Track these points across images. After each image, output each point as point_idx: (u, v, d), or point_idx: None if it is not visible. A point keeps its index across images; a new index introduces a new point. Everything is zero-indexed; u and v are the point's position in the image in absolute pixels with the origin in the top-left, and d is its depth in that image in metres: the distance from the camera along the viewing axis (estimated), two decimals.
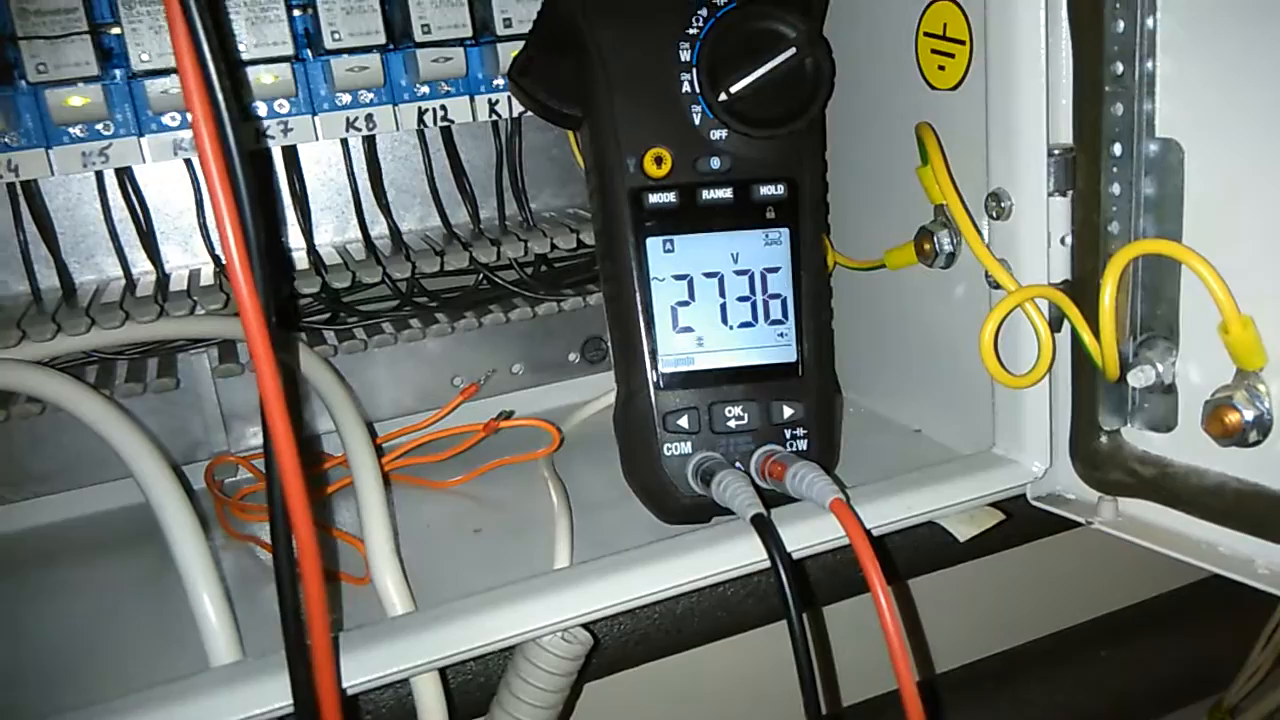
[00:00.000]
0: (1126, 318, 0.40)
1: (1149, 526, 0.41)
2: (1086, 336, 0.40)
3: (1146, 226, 0.39)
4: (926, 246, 0.46)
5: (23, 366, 0.40)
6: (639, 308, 0.43)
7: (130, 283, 0.49)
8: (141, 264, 0.50)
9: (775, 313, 0.45)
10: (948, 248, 0.46)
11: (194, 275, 0.50)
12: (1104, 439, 0.42)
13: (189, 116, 0.44)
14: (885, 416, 0.55)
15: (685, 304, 0.44)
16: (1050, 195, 0.41)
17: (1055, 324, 0.42)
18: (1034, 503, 0.45)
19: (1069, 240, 0.41)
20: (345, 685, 0.36)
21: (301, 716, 0.31)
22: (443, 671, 0.40)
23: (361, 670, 0.36)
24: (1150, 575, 0.70)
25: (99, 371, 0.50)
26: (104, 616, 0.44)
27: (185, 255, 0.52)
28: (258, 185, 0.26)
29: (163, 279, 0.49)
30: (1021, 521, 0.47)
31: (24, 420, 0.48)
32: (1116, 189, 0.39)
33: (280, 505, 0.28)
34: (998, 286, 0.42)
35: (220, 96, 0.25)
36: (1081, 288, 0.41)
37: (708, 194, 0.44)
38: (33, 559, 0.49)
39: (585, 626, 0.42)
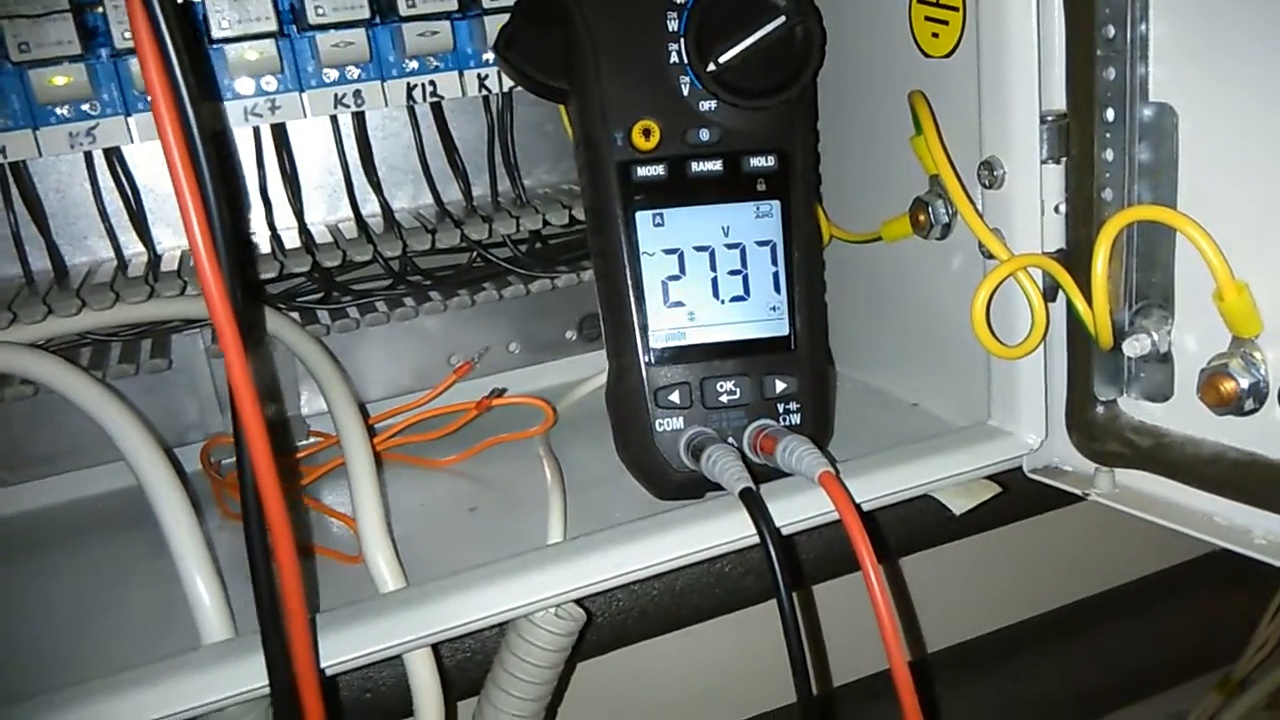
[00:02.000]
0: (1121, 286, 0.39)
1: (1146, 498, 0.41)
2: (1080, 305, 0.39)
3: (1141, 193, 0.38)
4: (921, 217, 0.46)
5: (9, 348, 0.40)
6: (629, 283, 0.43)
7: (122, 263, 0.49)
8: (133, 245, 0.49)
9: (767, 286, 0.44)
10: (943, 218, 0.45)
11: (185, 256, 0.50)
12: (1100, 409, 0.42)
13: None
14: (882, 390, 0.54)
15: (676, 278, 0.44)
16: (1043, 163, 0.40)
17: (1049, 293, 0.41)
18: (1030, 475, 0.45)
19: (1063, 208, 0.41)
20: (335, 661, 0.36)
21: (279, 695, 0.31)
22: (437, 648, 0.40)
23: (352, 647, 0.36)
24: (1155, 548, 0.70)
25: (93, 353, 0.50)
26: (99, 597, 0.44)
27: (177, 236, 0.52)
28: (225, 165, 0.26)
29: (154, 259, 0.49)
30: (1019, 495, 0.46)
31: (19, 402, 0.48)
32: (1110, 155, 0.38)
33: (251, 484, 0.28)
34: (991, 256, 0.42)
35: (180, 76, 0.24)
36: (1075, 256, 0.40)
37: (697, 166, 0.43)
38: (32, 541, 0.50)
39: (579, 602, 0.42)
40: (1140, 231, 0.39)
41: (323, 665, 0.36)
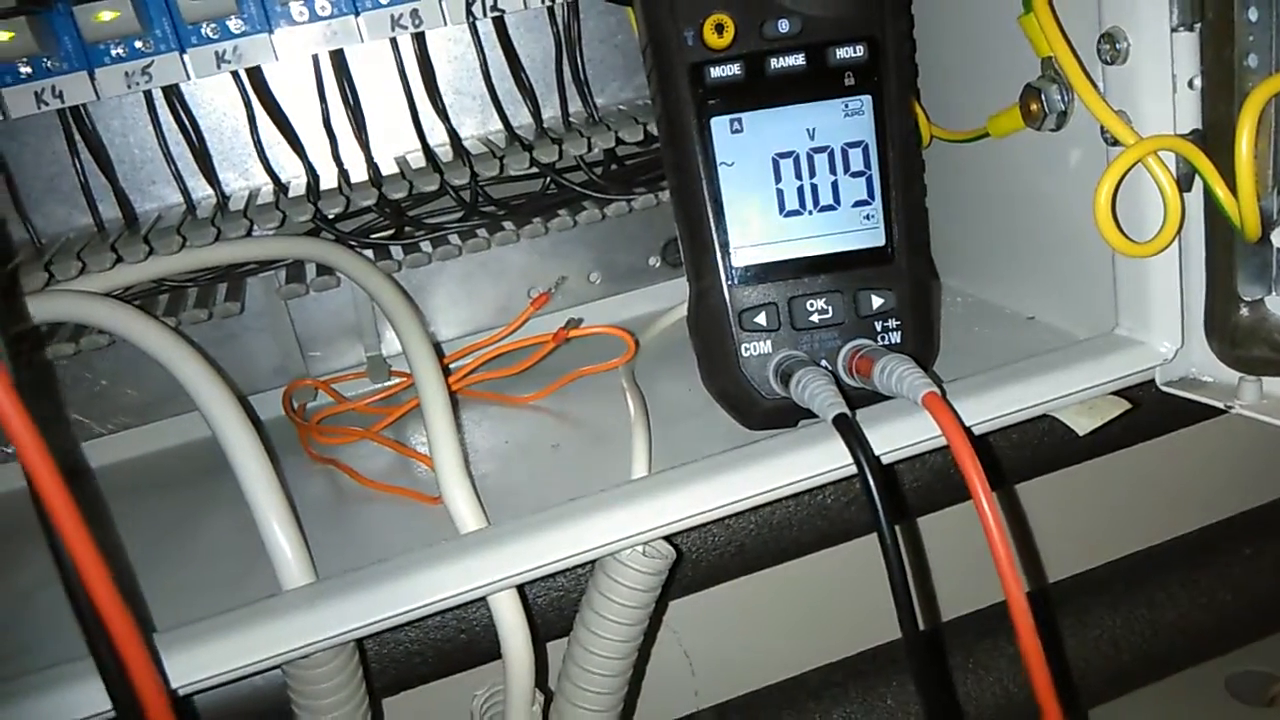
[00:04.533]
0: (1269, 168, 0.34)
1: None
2: (1221, 192, 0.34)
3: None
4: (1034, 107, 0.41)
5: (69, 296, 0.40)
6: (706, 197, 0.40)
7: (190, 207, 0.48)
8: (201, 189, 0.48)
9: (860, 192, 0.40)
10: (1059, 105, 0.40)
11: (252, 195, 0.49)
12: (1244, 311, 0.37)
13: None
14: (995, 305, 0.50)
15: (757, 189, 0.40)
16: (1174, 30, 0.35)
17: (1184, 181, 0.37)
18: (1164, 388, 0.40)
19: (1198, 82, 0.36)
20: (421, 604, 0.35)
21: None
22: (523, 589, 0.39)
23: (431, 590, 0.35)
24: None
25: (169, 300, 0.50)
26: (183, 544, 0.44)
27: (245, 179, 0.51)
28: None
29: (222, 201, 0.48)
30: (1151, 411, 0.42)
31: (97, 351, 0.47)
32: (1253, 14, 0.33)
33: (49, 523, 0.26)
34: (1116, 143, 0.37)
35: None
36: (1214, 136, 0.35)
37: (777, 62, 0.39)
38: (129, 489, 0.50)
39: (668, 539, 0.40)
40: None
41: (400, 609, 0.34)
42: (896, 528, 0.33)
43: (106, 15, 0.41)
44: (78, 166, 0.46)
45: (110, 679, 0.28)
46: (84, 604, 0.27)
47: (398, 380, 0.53)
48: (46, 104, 0.43)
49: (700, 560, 0.50)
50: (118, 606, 0.27)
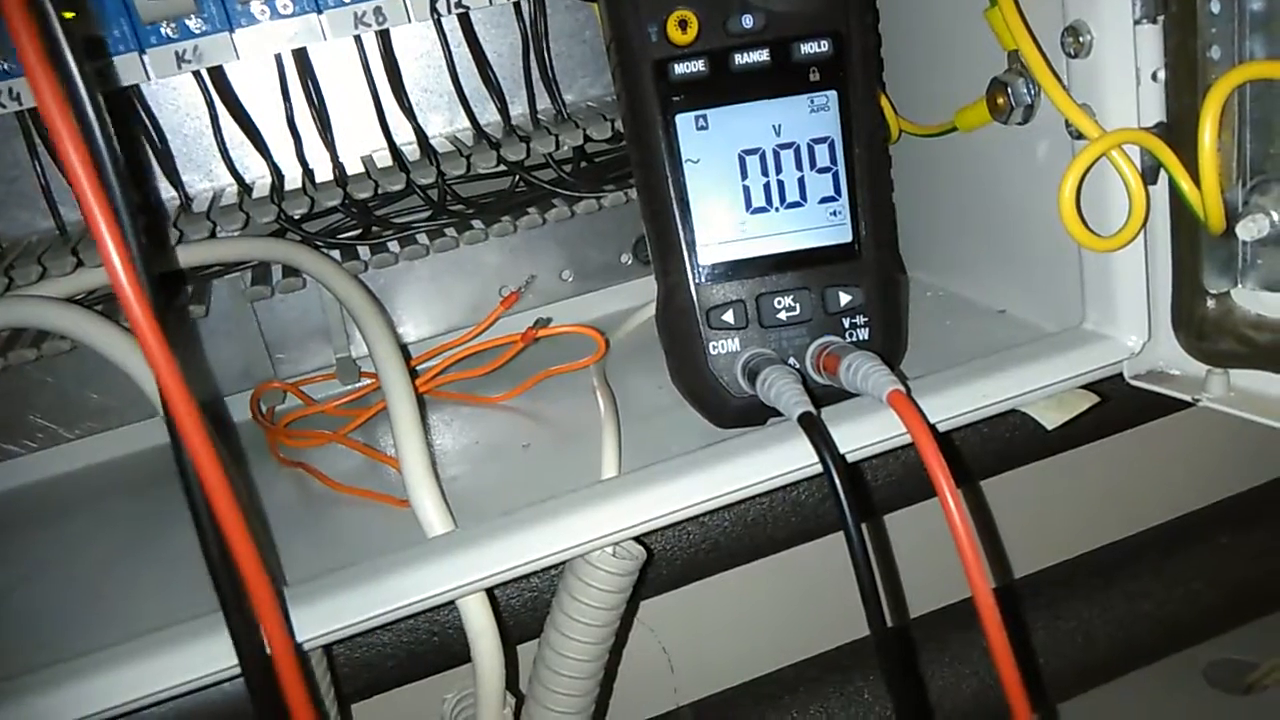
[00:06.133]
0: (1233, 160, 0.34)
1: (1266, 400, 0.36)
2: (1185, 184, 0.34)
3: (1254, 48, 0.33)
4: (1000, 100, 0.41)
5: (31, 301, 0.39)
6: (672, 195, 0.39)
7: (154, 208, 0.47)
8: (165, 190, 0.48)
9: (826, 189, 0.40)
10: (1025, 99, 0.40)
11: (217, 195, 0.48)
12: (1211, 303, 0.37)
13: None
14: (966, 298, 0.50)
15: (724, 186, 0.40)
16: (1137, 22, 0.35)
17: (1149, 174, 0.36)
18: (1132, 382, 0.40)
19: (1161, 74, 0.35)
20: (387, 609, 0.34)
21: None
22: (492, 592, 0.38)
23: (398, 595, 0.35)
24: (1270, 456, 0.64)
25: None
26: (143, 553, 0.43)
27: (205, 179, 0.50)
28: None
29: (185, 203, 0.47)
30: (1119, 405, 0.42)
31: (59, 357, 0.47)
32: (1216, 6, 0.33)
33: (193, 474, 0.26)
34: (1080, 136, 0.37)
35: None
36: (1178, 128, 0.35)
37: (741, 58, 0.39)
38: (90, 497, 0.49)
39: (638, 539, 0.39)
40: (1255, 94, 0.33)
41: (366, 615, 0.34)
42: (864, 526, 0.33)
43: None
44: (38, 169, 0.46)
45: (238, 635, 0.29)
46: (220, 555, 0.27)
47: (367, 382, 0.53)
48: (3, 106, 0.42)
49: (676, 558, 0.49)
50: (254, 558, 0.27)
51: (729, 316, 0.40)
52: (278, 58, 0.46)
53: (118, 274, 0.24)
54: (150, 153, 0.47)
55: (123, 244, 0.23)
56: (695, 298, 0.40)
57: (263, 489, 0.45)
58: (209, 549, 0.28)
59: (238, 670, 0.32)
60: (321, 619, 0.34)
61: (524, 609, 0.47)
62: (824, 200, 0.40)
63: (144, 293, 0.23)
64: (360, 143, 0.51)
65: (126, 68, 0.43)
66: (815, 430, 0.33)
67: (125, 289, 0.23)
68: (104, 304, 0.48)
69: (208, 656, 0.33)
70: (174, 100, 0.49)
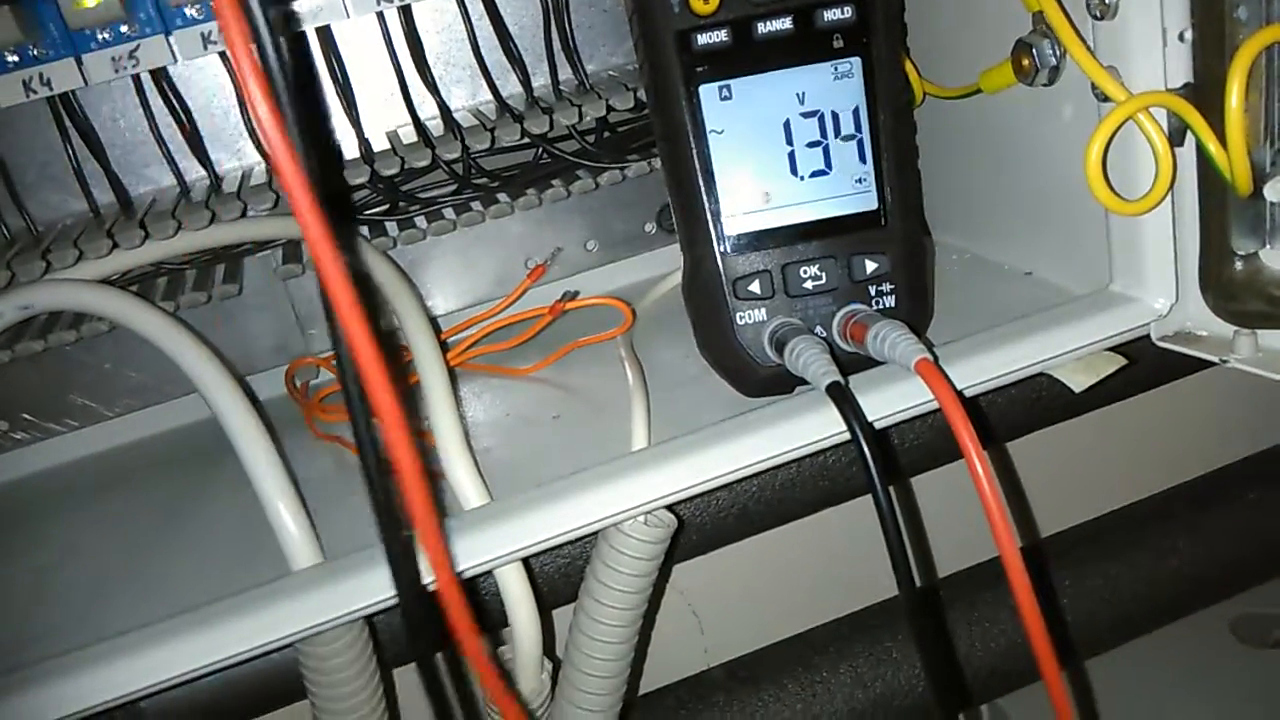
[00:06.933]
0: (1260, 121, 0.34)
1: None
2: (1213, 146, 0.34)
3: None
4: (1025, 62, 0.41)
5: (64, 285, 0.40)
6: (696, 165, 0.39)
7: (184, 189, 0.48)
8: (194, 170, 0.48)
9: (851, 156, 0.40)
10: (1051, 60, 0.40)
11: (245, 176, 0.49)
12: (1239, 265, 0.37)
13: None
14: (993, 261, 0.50)
15: (748, 156, 0.40)
16: None
17: (1176, 136, 0.36)
18: (1159, 343, 0.40)
19: (1188, 35, 0.35)
20: (427, 581, 0.35)
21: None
22: (527, 560, 0.39)
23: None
24: None
25: (168, 284, 0.50)
26: (188, 528, 0.45)
27: (238, 158, 0.51)
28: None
29: (215, 183, 0.48)
30: (1146, 366, 0.42)
31: (98, 338, 0.48)
32: None
33: (356, 387, 0.26)
34: (1106, 99, 0.37)
35: None
36: (1205, 90, 0.35)
37: (764, 27, 0.39)
38: (128, 472, 0.51)
39: (670, 508, 0.40)
40: None
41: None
42: (892, 490, 0.33)
43: (90, 2, 0.40)
44: (70, 152, 0.46)
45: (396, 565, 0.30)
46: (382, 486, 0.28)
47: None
48: (35, 92, 0.43)
49: (705, 524, 0.50)
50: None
51: (755, 287, 0.40)
52: (301, 35, 0.47)
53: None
54: (180, 133, 0.47)
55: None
56: (721, 268, 0.40)
57: (300, 463, 0.46)
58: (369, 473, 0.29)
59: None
60: (366, 591, 0.35)
61: (558, 575, 0.47)
62: (849, 168, 0.40)
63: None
64: (384, 119, 0.51)
65: (153, 50, 0.43)
66: (845, 400, 0.34)
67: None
68: (138, 284, 0.49)
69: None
70: (200, 81, 0.49)
